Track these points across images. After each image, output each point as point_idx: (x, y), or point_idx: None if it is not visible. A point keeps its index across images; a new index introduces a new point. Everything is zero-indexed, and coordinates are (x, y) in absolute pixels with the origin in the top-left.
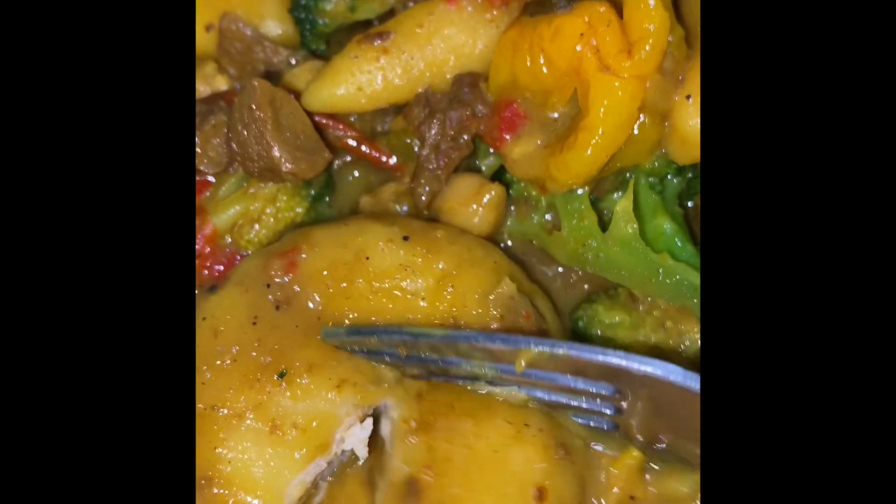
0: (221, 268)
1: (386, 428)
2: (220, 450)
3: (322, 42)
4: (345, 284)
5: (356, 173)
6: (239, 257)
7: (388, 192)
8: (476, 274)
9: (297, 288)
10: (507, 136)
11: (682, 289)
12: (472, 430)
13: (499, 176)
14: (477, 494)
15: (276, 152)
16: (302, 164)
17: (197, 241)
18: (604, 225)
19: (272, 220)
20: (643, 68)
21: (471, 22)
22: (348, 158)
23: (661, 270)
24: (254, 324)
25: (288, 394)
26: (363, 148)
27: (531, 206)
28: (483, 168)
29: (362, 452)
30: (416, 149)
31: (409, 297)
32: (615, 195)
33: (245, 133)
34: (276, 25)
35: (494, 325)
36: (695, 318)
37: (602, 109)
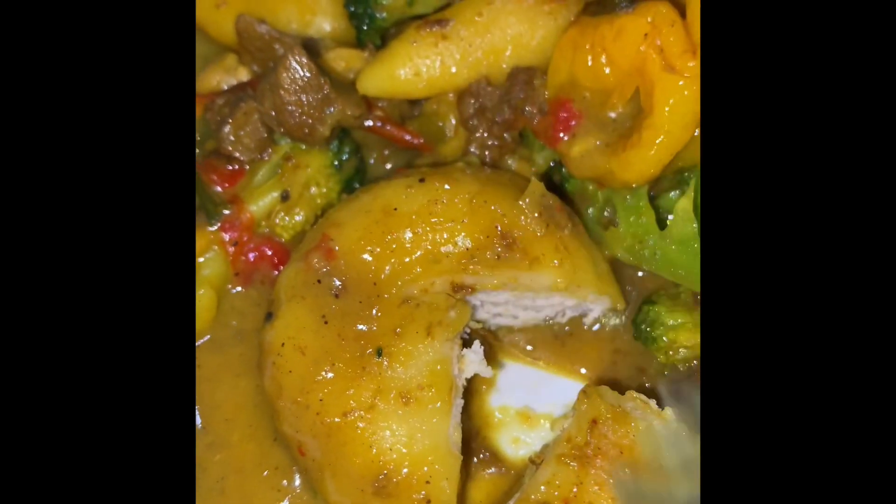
0: (256, 255)
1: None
2: (374, 448)
3: (378, 37)
4: (389, 237)
5: (388, 166)
6: (268, 248)
7: None
8: (502, 189)
9: (343, 267)
10: (563, 136)
11: None
12: None
13: (553, 170)
14: None
15: (327, 90)
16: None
17: (234, 230)
18: (661, 223)
19: (308, 205)
20: None
21: (529, 13)
22: (386, 152)
23: None
24: (326, 323)
25: (396, 365)
26: (392, 130)
27: (587, 200)
28: (539, 161)
29: (486, 372)
30: (447, 133)
31: (448, 223)
32: (672, 194)
33: (293, 90)
34: (326, 22)
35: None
36: None
37: (667, 108)
